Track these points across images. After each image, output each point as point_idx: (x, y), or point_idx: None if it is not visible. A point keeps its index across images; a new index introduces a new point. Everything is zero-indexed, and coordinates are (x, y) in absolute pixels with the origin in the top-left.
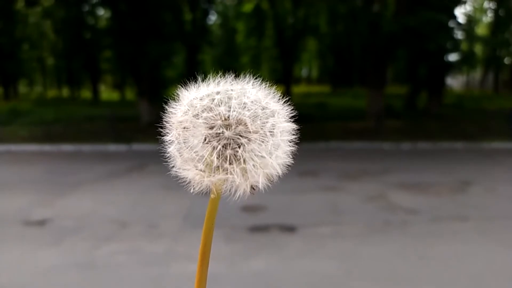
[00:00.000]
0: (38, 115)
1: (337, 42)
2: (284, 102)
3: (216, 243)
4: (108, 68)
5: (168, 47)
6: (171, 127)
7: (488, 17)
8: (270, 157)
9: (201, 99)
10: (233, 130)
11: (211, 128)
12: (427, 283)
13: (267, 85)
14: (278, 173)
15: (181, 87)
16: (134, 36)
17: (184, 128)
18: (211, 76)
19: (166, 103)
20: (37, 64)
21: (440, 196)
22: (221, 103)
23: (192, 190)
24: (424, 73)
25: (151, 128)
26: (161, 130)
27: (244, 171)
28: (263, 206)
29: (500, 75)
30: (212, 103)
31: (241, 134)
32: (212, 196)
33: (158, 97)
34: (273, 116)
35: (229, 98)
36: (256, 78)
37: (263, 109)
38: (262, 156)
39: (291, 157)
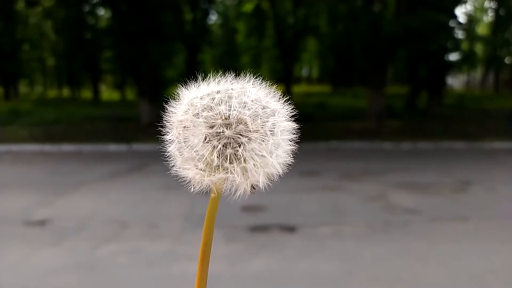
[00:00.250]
0: (39, 115)
1: (338, 42)
2: (284, 101)
3: (216, 243)
4: (109, 68)
5: (168, 47)
6: (171, 126)
7: (488, 17)
8: (270, 156)
9: (201, 98)
10: (233, 129)
11: (212, 127)
12: (428, 283)
13: (267, 84)
14: (278, 172)
15: (181, 86)
16: (134, 36)
17: (185, 127)
18: (211, 76)
19: (166, 102)
20: (38, 64)
21: (440, 196)
22: (222, 102)
23: (192, 190)
24: (425, 73)
25: (151, 128)
26: (162, 130)
27: (245, 170)
28: (263, 206)
29: (500, 74)
30: (212, 102)
31: (242, 133)
32: (212, 195)
33: (159, 97)
34: (274, 115)
35: (230, 97)
36: (256, 78)
37: (264, 108)
38: (262, 155)
39: (291, 156)
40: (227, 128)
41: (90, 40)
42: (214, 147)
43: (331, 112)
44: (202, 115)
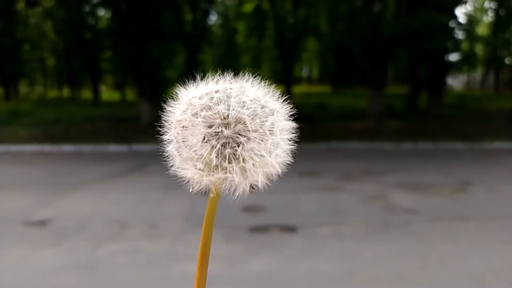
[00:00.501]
0: (39, 116)
1: (338, 42)
2: (284, 100)
3: (216, 243)
4: (109, 69)
5: (168, 48)
6: (169, 126)
7: (488, 17)
8: (269, 156)
9: (200, 98)
10: (232, 129)
11: (210, 127)
12: (428, 283)
13: (266, 84)
14: (277, 172)
15: (180, 86)
16: (134, 36)
17: (183, 127)
18: (210, 75)
19: (165, 102)
20: (38, 65)
21: (440, 196)
22: (220, 102)
23: (191, 190)
24: (425, 73)
25: (151, 128)
26: (161, 130)
27: (244, 170)
28: (263, 206)
29: (500, 75)
30: (211, 102)
31: (240, 133)
32: (211, 195)
33: (159, 97)
34: (273, 114)
35: (228, 97)
36: (255, 77)
37: (262, 107)
38: (261, 155)
39: (290, 156)
40: (225, 128)
41: (90, 40)
42: (212, 147)
43: (331, 112)
44: (200, 115)
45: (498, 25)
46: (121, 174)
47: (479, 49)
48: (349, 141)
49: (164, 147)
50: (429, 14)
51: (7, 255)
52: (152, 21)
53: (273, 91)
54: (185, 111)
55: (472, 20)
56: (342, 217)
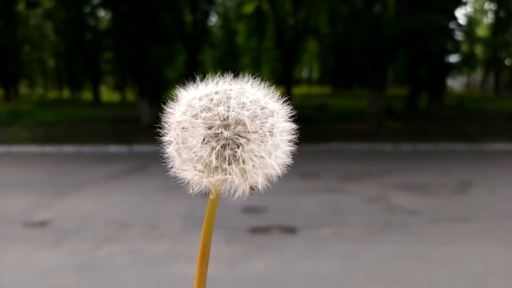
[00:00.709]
0: (39, 116)
1: (338, 43)
2: (283, 102)
3: (216, 244)
4: (109, 69)
5: (168, 48)
6: (169, 128)
7: (488, 19)
8: (269, 157)
9: (199, 99)
10: (232, 130)
11: (210, 128)
12: (428, 284)
13: (266, 85)
14: (277, 173)
15: (180, 87)
16: (134, 37)
17: (183, 128)
18: (210, 76)
19: (165, 103)
20: (38, 66)
21: (440, 197)
22: (220, 103)
23: (191, 191)
24: (425, 74)
25: (151, 129)
26: (161, 131)
27: (243, 172)
28: (263, 207)
29: (500, 76)
30: (210, 103)
31: (240, 134)
32: (211, 196)
33: (159, 98)
34: (272, 116)
35: (228, 98)
36: (255, 78)
37: (262, 109)
38: (261, 156)
39: (290, 157)
40: (225, 129)
41: (91, 41)
42: (212, 148)
43: (331, 113)
44: (200, 116)
45: (498, 26)
46: (121, 175)
47: (479, 50)
48: (349, 142)
49: (164, 148)
50: (429, 15)
51: (7, 256)
52: (152, 22)
53: (273, 92)
54: (185, 112)
55: (472, 21)
56: (342, 218)
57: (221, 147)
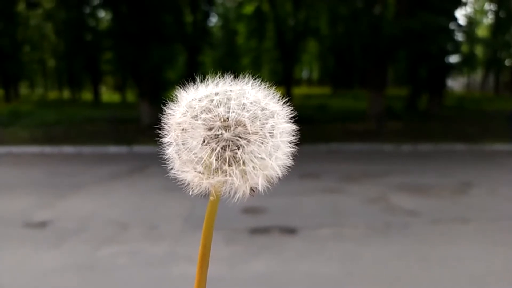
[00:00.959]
0: (39, 117)
1: (338, 43)
2: (284, 102)
3: (216, 245)
4: (109, 70)
5: (168, 49)
6: (169, 129)
7: (488, 19)
8: (269, 159)
9: (199, 100)
10: (232, 132)
11: (210, 129)
12: (428, 285)
13: (267, 86)
14: (278, 174)
15: (180, 88)
16: (135, 37)
17: (183, 129)
18: (210, 77)
19: (165, 104)
20: (38, 66)
21: (441, 197)
22: (220, 104)
23: (191, 192)
24: (425, 75)
25: (151, 130)
26: (162, 132)
27: (244, 173)
28: (263, 208)
29: (500, 77)
30: (211, 104)
31: (240, 136)
32: (211, 198)
33: (159, 99)
34: (273, 117)
35: (228, 99)
36: (255, 79)
37: (263, 110)
38: (261, 158)
39: (291, 158)
40: (225, 130)
41: (91, 41)
42: (212, 150)
43: (331, 114)
44: (200, 117)
45: (498, 27)
46: (121, 176)
47: (479, 51)
48: (349, 143)
49: (164, 149)
50: (429, 16)
51: (7, 256)
52: (152, 22)
53: (273, 93)
54: (185, 113)
55: (472, 22)
56: (342, 218)
57: (221, 148)
